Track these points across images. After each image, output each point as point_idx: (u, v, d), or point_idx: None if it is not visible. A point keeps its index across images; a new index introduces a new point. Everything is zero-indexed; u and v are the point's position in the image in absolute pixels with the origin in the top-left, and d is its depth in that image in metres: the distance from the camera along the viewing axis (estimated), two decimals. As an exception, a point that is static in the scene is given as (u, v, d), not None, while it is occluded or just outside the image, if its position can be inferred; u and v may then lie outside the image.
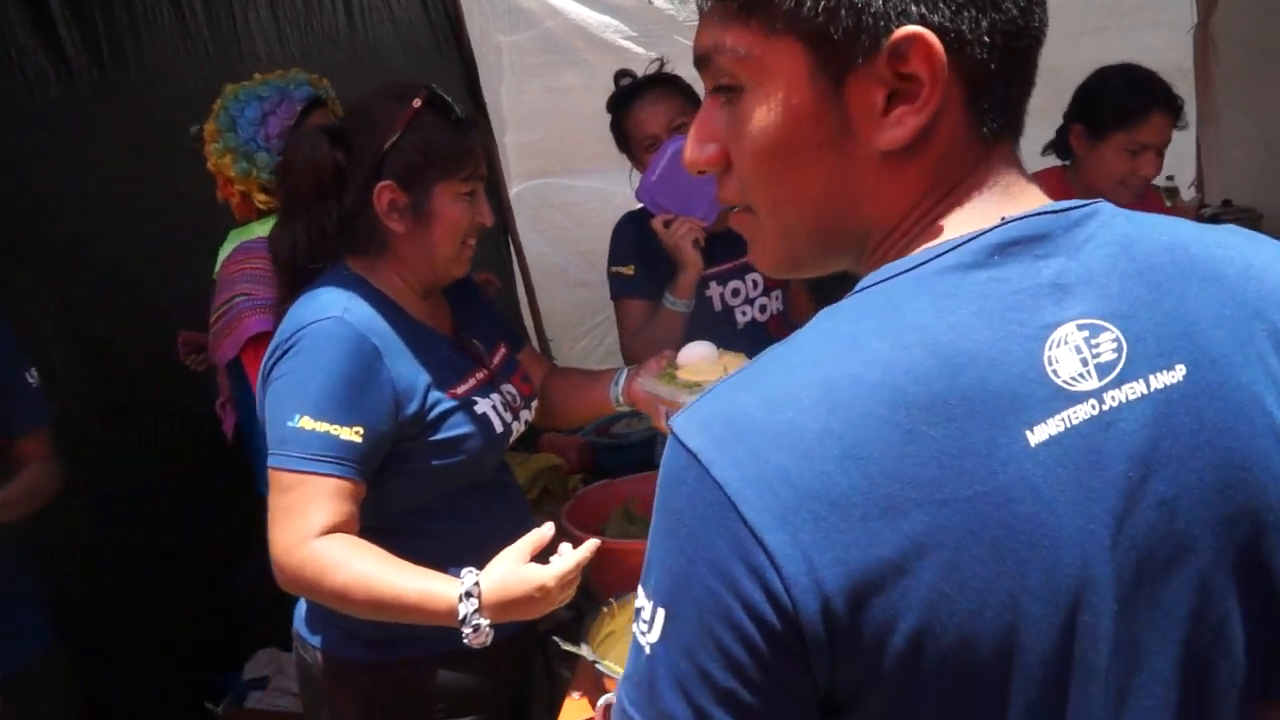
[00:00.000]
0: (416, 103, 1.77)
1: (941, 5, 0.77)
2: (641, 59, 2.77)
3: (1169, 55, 4.32)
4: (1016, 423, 0.75)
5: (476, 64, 4.49)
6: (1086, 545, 0.75)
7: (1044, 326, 0.77)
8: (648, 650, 0.77)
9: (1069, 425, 0.76)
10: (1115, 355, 0.78)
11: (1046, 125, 4.60)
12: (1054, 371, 0.77)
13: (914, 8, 0.77)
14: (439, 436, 1.78)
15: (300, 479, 1.63)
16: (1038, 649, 0.74)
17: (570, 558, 1.61)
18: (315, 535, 1.62)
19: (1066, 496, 0.75)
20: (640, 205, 2.66)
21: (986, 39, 0.79)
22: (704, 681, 0.74)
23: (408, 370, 1.74)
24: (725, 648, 0.73)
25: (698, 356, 2.02)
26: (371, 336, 1.69)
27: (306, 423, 1.62)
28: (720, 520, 0.73)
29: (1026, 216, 0.80)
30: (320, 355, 1.65)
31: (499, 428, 1.89)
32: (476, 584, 1.59)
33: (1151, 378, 0.79)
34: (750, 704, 0.73)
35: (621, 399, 2.11)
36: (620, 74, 2.74)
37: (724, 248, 2.66)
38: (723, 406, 0.77)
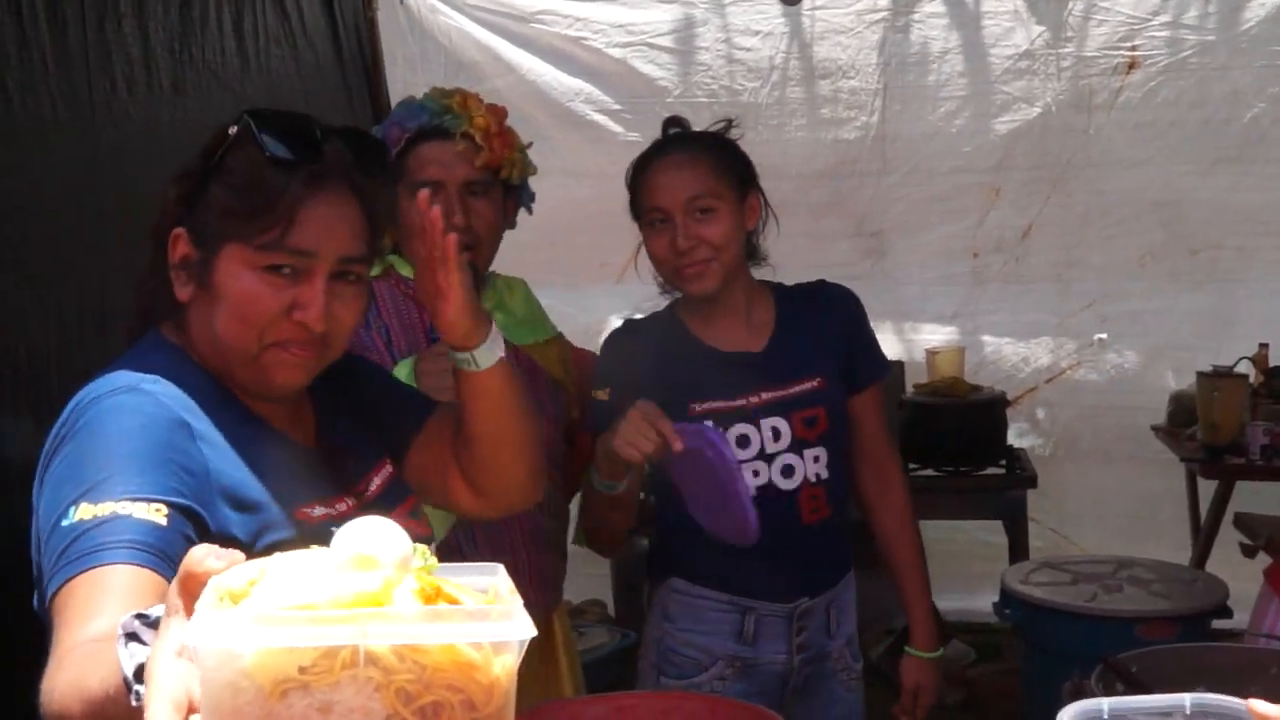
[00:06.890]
0: (233, 129, 1.48)
1: None
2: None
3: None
4: None
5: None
6: None
7: None
8: None
9: None
10: None
11: (1162, 268, 4.06)
12: None
13: None
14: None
15: (75, 583, 1.25)
16: None
17: None
18: (80, 645, 1.17)
19: None
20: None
21: None
22: None
23: (232, 470, 1.43)
24: None
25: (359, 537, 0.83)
26: (180, 411, 1.42)
27: (85, 511, 1.30)
28: None
29: None
30: (103, 429, 1.38)
31: None
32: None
33: None
34: None
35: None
36: (670, 121, 2.30)
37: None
38: None
